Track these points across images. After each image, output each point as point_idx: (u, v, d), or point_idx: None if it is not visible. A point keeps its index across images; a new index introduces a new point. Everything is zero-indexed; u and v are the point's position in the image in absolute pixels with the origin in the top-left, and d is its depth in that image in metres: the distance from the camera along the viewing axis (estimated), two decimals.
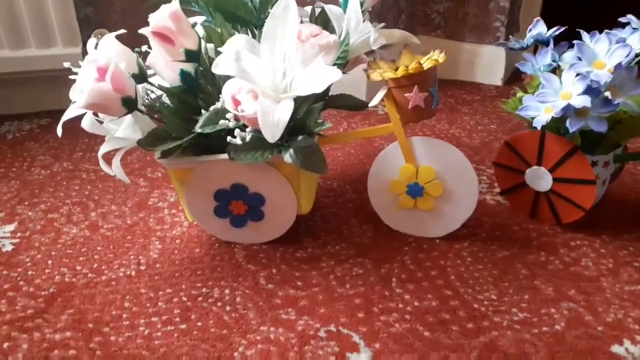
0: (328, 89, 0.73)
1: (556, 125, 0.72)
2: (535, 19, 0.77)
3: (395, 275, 0.69)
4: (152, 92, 0.67)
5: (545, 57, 0.73)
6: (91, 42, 0.66)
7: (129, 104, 0.58)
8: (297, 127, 0.64)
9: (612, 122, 0.69)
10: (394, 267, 0.70)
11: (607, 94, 0.62)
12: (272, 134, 0.52)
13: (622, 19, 0.71)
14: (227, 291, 0.65)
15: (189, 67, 0.64)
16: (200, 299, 0.64)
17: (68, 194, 0.87)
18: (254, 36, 0.71)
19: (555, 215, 0.77)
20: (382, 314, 0.62)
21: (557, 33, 0.76)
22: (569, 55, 0.73)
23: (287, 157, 0.61)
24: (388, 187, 0.74)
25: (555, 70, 0.73)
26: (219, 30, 0.65)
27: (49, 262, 0.71)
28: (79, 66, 0.61)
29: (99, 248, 0.74)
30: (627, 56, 0.62)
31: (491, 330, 0.59)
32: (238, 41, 0.56)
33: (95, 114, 0.63)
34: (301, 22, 0.77)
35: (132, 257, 0.72)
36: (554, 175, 0.74)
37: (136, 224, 0.79)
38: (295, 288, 0.66)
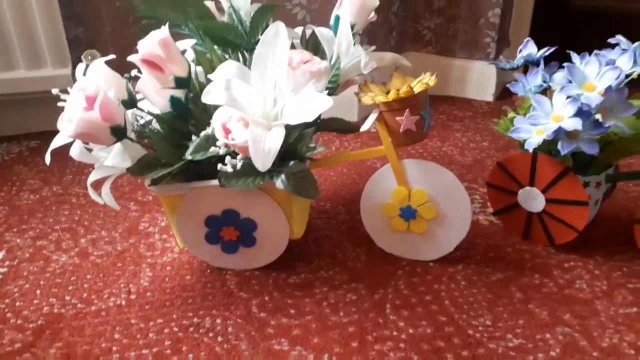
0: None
1: (548, 146, 0.71)
2: (526, 40, 0.77)
3: (390, 301, 0.68)
4: (142, 117, 0.66)
5: (536, 77, 0.74)
6: (80, 67, 0.66)
7: (118, 133, 0.57)
8: (288, 152, 0.63)
9: (602, 143, 0.69)
10: (388, 293, 0.69)
11: (598, 116, 0.62)
12: (263, 163, 0.51)
13: (611, 40, 0.71)
14: (218, 320, 0.64)
15: (179, 93, 0.63)
16: (191, 329, 0.63)
17: (57, 219, 0.86)
18: (244, 60, 0.71)
19: (549, 236, 0.77)
20: (376, 342, 0.61)
21: (547, 53, 0.76)
22: (560, 76, 0.73)
23: (279, 183, 0.61)
24: (381, 210, 0.74)
25: (546, 90, 0.73)
26: (209, 55, 0.64)
27: (38, 292, 0.70)
28: (69, 88, 0.60)
29: (88, 276, 0.72)
30: (617, 78, 0.62)
31: (486, 358, 0.59)
32: (228, 68, 0.56)
33: (85, 142, 0.62)
34: (292, 44, 0.77)
35: (122, 285, 0.71)
36: (546, 196, 0.74)
37: (126, 250, 0.78)
38: (288, 316, 0.65)
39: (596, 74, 0.63)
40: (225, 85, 0.50)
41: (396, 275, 0.73)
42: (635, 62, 0.68)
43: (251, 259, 0.72)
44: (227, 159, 0.57)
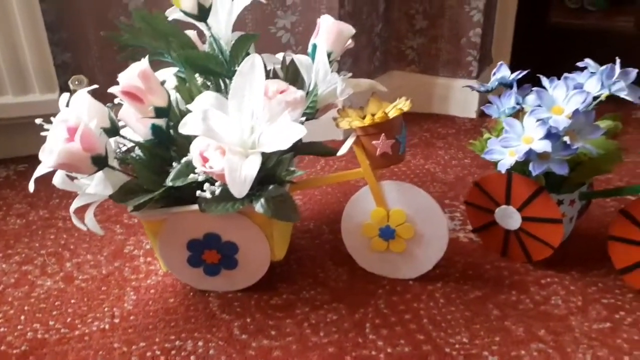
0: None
1: (522, 166, 0.74)
2: (499, 63, 0.80)
3: (369, 320, 0.69)
4: (124, 144, 0.68)
5: (509, 100, 0.76)
6: (63, 98, 0.67)
7: (99, 162, 0.58)
8: (268, 176, 0.65)
9: (573, 163, 0.71)
10: (368, 312, 0.71)
11: (566, 138, 0.64)
12: (239, 191, 0.53)
13: (580, 64, 0.74)
14: (200, 343, 0.65)
15: (160, 121, 0.65)
16: (173, 352, 0.64)
17: (43, 243, 0.87)
18: (225, 87, 0.73)
19: (526, 253, 0.79)
20: None
21: (520, 76, 0.78)
22: (532, 98, 0.76)
23: (258, 207, 0.62)
24: (361, 230, 0.76)
25: (519, 112, 0.76)
26: (189, 85, 0.66)
27: (22, 317, 0.71)
28: (52, 119, 0.62)
29: (73, 301, 0.73)
30: (583, 102, 0.65)
31: None
32: (206, 99, 0.58)
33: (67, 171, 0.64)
34: (274, 69, 0.79)
35: (106, 309, 0.72)
36: (522, 214, 0.76)
37: (111, 273, 0.79)
38: (269, 338, 0.66)
39: (564, 97, 0.66)
40: (202, 116, 0.52)
41: (377, 294, 0.74)
42: (602, 84, 0.70)
43: (233, 281, 0.73)
44: (206, 185, 0.59)
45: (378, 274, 0.78)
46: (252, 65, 0.57)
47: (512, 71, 0.76)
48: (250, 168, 0.53)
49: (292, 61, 0.75)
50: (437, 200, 1.00)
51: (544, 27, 1.60)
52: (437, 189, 1.05)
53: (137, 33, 0.72)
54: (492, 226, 0.81)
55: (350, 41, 0.75)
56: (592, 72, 0.72)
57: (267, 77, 0.76)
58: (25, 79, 1.08)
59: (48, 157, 0.54)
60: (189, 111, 0.57)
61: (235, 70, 0.63)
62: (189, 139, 0.65)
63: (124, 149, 0.68)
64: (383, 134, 0.68)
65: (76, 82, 0.95)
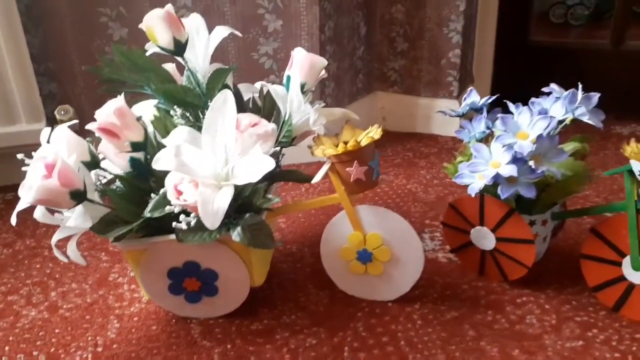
0: (276, 165, 0.77)
1: (493, 189, 0.76)
2: (469, 89, 0.82)
3: (348, 343, 0.71)
4: (104, 177, 0.69)
5: (480, 124, 0.78)
6: (44, 133, 0.69)
7: (78, 197, 0.60)
8: (244, 205, 0.67)
9: (542, 185, 0.74)
10: (347, 336, 0.72)
11: (531, 163, 0.66)
12: (212, 222, 0.54)
13: (545, 89, 0.76)
14: None
15: (139, 154, 0.67)
16: None
17: (29, 273, 0.88)
18: (203, 118, 0.75)
19: (502, 272, 0.81)
20: None
21: (489, 101, 0.81)
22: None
23: (235, 235, 0.64)
24: (339, 254, 0.77)
25: (490, 136, 0.78)
26: (163, 120, 0.68)
27: (6, 348, 0.72)
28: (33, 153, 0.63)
29: (57, 330, 0.75)
30: (547, 127, 0.67)
31: None
32: (180, 134, 0.60)
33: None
34: (253, 98, 0.82)
35: (89, 338, 0.73)
36: (496, 235, 0.78)
37: (96, 302, 0.80)
38: None
39: (528, 123, 0.68)
40: (174, 152, 0.54)
41: (356, 317, 0.76)
42: (566, 109, 0.73)
43: (214, 307, 0.74)
44: (182, 216, 0.60)
45: (358, 296, 0.80)
46: (224, 101, 0.59)
47: (493, 90, 0.79)
48: (222, 200, 0.55)
49: (269, 92, 0.77)
50: (418, 221, 1.03)
51: (524, 46, 1.64)
52: (418, 209, 1.07)
53: (117, 67, 0.75)
54: (469, 246, 0.83)
55: (323, 72, 0.77)
56: (557, 97, 0.74)
57: (247, 105, 0.79)
58: (12, 109, 1.10)
59: (27, 193, 0.56)
60: (164, 145, 0.59)
61: None
62: (167, 171, 0.68)
63: (104, 180, 0.70)
64: (356, 161, 0.70)
65: (62, 112, 0.98)
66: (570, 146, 0.77)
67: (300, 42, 1.22)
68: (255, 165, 0.56)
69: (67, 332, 0.74)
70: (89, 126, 0.60)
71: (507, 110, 0.75)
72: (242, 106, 0.77)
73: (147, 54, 0.76)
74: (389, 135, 1.53)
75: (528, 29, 1.64)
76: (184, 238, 0.64)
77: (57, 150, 0.59)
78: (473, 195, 0.71)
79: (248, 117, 0.60)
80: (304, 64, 0.74)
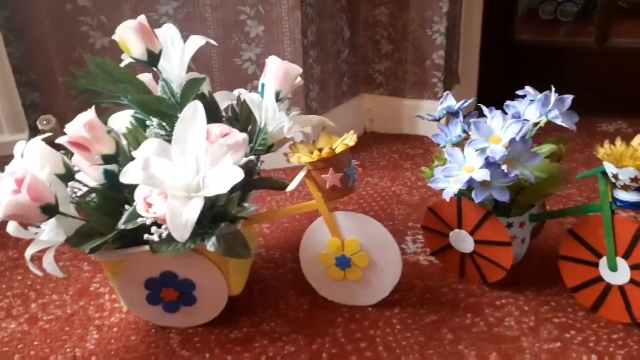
0: (252, 171, 0.77)
1: (469, 192, 0.76)
2: (445, 93, 0.83)
3: (326, 350, 0.71)
4: (79, 189, 0.69)
5: (456, 128, 0.79)
6: (18, 146, 0.69)
7: (49, 211, 0.60)
8: (219, 214, 0.67)
9: (517, 188, 0.74)
10: (326, 342, 0.72)
11: (504, 167, 0.66)
12: (181, 235, 0.55)
13: (519, 92, 0.77)
14: None
15: (113, 165, 0.67)
16: None
17: (10, 285, 0.88)
18: None
19: (481, 275, 0.81)
20: None
21: (465, 104, 0.81)
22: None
23: (210, 245, 0.64)
24: (318, 260, 0.78)
25: (467, 139, 0.78)
26: (134, 132, 0.68)
27: None
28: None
29: (35, 343, 0.75)
30: (520, 130, 0.67)
31: None
32: (150, 146, 0.60)
33: None
34: (232, 106, 0.82)
35: (68, 350, 0.73)
36: (474, 237, 0.78)
37: (76, 312, 0.80)
38: None
39: (501, 127, 0.68)
40: (142, 165, 0.54)
41: (335, 322, 0.76)
42: (540, 112, 0.73)
43: (193, 317, 0.74)
44: (153, 228, 0.61)
45: (338, 302, 0.80)
46: (194, 111, 0.59)
47: (480, 90, 0.78)
48: (191, 212, 0.55)
49: (245, 100, 0.77)
50: (401, 223, 1.03)
51: (510, 45, 1.64)
52: (402, 212, 1.07)
53: (93, 78, 0.75)
54: (448, 249, 0.83)
55: (299, 79, 0.77)
56: (531, 100, 0.75)
57: (222, 114, 0.79)
58: None
59: None
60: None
61: None
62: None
63: (80, 193, 0.70)
64: (331, 168, 0.70)
65: (44, 122, 0.97)
66: (545, 148, 0.77)
67: (282, 47, 1.22)
68: (225, 176, 0.56)
69: (46, 344, 0.74)
70: (60, 140, 0.60)
71: (482, 115, 0.75)
72: (217, 115, 0.77)
73: (122, 64, 0.76)
74: (376, 137, 1.53)
75: (513, 28, 1.64)
76: (158, 249, 0.64)
77: (26, 164, 0.59)
78: (448, 199, 0.71)
79: (219, 128, 0.60)
80: (278, 71, 0.74)
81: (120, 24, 0.68)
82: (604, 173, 0.69)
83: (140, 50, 0.70)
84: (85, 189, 0.70)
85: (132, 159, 0.66)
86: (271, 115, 0.72)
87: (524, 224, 0.79)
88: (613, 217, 0.70)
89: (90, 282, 0.88)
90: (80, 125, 0.59)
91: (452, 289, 0.82)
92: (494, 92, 0.75)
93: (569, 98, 0.73)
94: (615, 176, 0.66)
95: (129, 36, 0.69)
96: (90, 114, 0.60)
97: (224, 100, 0.84)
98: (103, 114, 0.78)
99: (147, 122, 0.74)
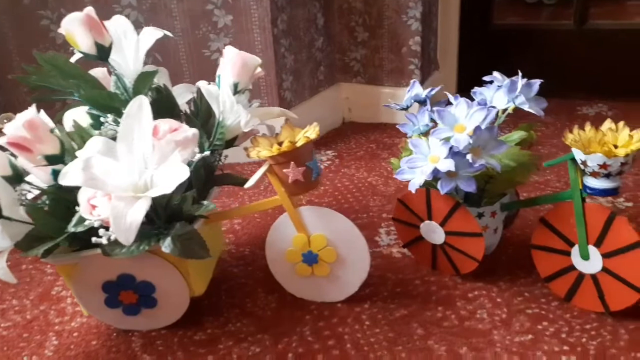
0: (212, 169, 0.74)
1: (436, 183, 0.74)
2: (412, 81, 0.80)
3: (293, 349, 0.69)
4: (30, 191, 0.66)
5: (424, 116, 0.76)
6: None
7: None
8: (174, 214, 0.64)
9: (486, 177, 0.72)
10: (292, 341, 0.70)
11: (469, 156, 0.64)
12: (125, 238, 0.52)
13: (486, 78, 0.74)
14: None
15: (61, 166, 0.64)
16: None
17: None
18: None
19: (454, 266, 0.79)
20: None
21: (433, 92, 0.79)
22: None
23: (165, 246, 0.62)
24: (285, 257, 0.75)
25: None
26: (79, 131, 0.65)
27: None
28: None
29: None
30: (485, 118, 0.65)
31: None
32: (94, 144, 0.57)
33: None
34: (193, 99, 0.79)
35: (25, 357, 0.70)
36: (444, 229, 0.76)
37: (36, 318, 0.78)
38: None
39: (465, 115, 0.66)
40: (82, 165, 0.52)
41: (303, 320, 0.74)
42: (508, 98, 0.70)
43: (155, 319, 0.72)
44: (102, 231, 0.58)
45: (307, 299, 0.78)
46: (140, 107, 0.56)
47: (459, 77, 0.75)
48: (136, 214, 0.52)
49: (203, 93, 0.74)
50: (376, 215, 1.01)
51: (489, 30, 1.62)
52: (377, 203, 1.05)
53: (45, 74, 0.72)
54: (420, 241, 0.81)
55: (259, 69, 0.74)
56: (499, 86, 0.72)
57: (179, 108, 0.76)
58: None
59: None
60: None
61: None
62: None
63: (30, 195, 0.67)
64: (292, 162, 0.68)
65: (5, 120, 0.94)
66: (516, 135, 0.75)
67: (252, 36, 1.19)
68: (171, 175, 0.53)
69: (2, 352, 0.72)
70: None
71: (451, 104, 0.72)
72: (174, 110, 0.74)
73: (72, 59, 0.72)
74: (354, 126, 1.51)
75: (492, 12, 1.62)
76: (110, 252, 0.61)
77: None
78: (414, 191, 0.68)
79: (167, 123, 0.57)
80: (235, 62, 0.71)
81: None
82: (574, 160, 0.67)
83: (89, 44, 0.66)
84: (37, 191, 0.67)
85: None
86: (229, 108, 0.69)
87: (496, 214, 0.77)
88: (584, 205, 0.68)
89: (52, 286, 0.85)
90: (19, 125, 0.56)
91: (424, 282, 0.80)
92: (475, 79, 0.73)
93: (536, 83, 0.70)
94: (584, 163, 0.64)
95: (75, 29, 0.66)
96: (30, 112, 0.57)
97: (184, 94, 0.81)
98: (64, 110, 0.75)
99: (102, 119, 0.71)
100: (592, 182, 0.65)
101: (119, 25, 0.72)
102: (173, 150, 0.55)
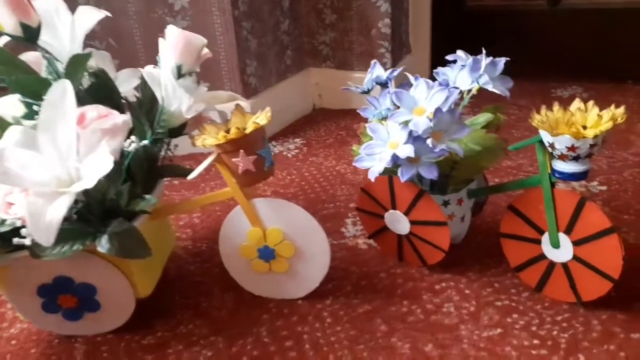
0: (156, 158, 0.69)
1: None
2: (373, 62, 0.75)
3: (247, 352, 0.64)
4: None
5: (385, 100, 0.71)
6: None
7: None
8: (112, 210, 0.59)
9: (451, 163, 0.68)
10: (247, 343, 0.65)
11: (429, 141, 0.59)
12: (45, 238, 0.46)
13: (449, 57, 0.69)
14: None
15: None
16: None
17: None
18: None
19: (420, 257, 0.75)
20: None
21: (395, 74, 0.74)
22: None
23: (100, 246, 0.56)
24: (239, 252, 0.70)
25: None
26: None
27: None
28: None
29: None
30: (447, 99, 0.60)
31: None
32: (11, 135, 0.51)
33: None
34: (140, 85, 0.73)
35: None
36: (409, 218, 0.72)
37: None
38: None
39: (425, 96, 0.61)
40: None
41: (261, 320, 0.69)
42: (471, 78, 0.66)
43: (99, 323, 0.67)
44: (24, 230, 0.52)
45: (266, 296, 0.73)
46: (63, 92, 0.50)
47: (433, 61, 0.70)
48: (57, 211, 0.46)
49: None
50: (343, 205, 0.96)
51: (462, 11, 1.57)
52: (345, 192, 1.01)
53: None
54: (385, 231, 0.77)
55: (206, 50, 0.69)
56: (462, 65, 0.68)
57: (119, 95, 0.70)
58: None
59: None
60: None
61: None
62: None
63: None
64: (241, 150, 0.63)
65: None
66: (482, 118, 0.70)
67: (211, 18, 1.12)
68: (94, 167, 0.48)
69: None
70: None
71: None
72: (114, 96, 0.69)
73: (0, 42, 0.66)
74: (325, 113, 1.46)
75: None
76: (40, 252, 0.56)
77: None
78: (373, 179, 0.64)
79: (95, 110, 0.52)
80: (177, 43, 0.65)
81: None
82: (542, 142, 0.63)
83: (13, 24, 0.60)
84: None
85: None
86: (171, 92, 0.64)
87: (462, 201, 0.73)
88: (553, 190, 0.64)
89: None
90: None
91: (390, 274, 0.76)
92: (449, 62, 0.69)
93: (501, 61, 0.66)
94: (552, 145, 0.60)
95: None
96: None
97: (129, 79, 0.75)
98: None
99: (34, 107, 0.65)
100: (561, 166, 0.61)
101: (49, 4, 0.65)
102: (100, 139, 0.50)
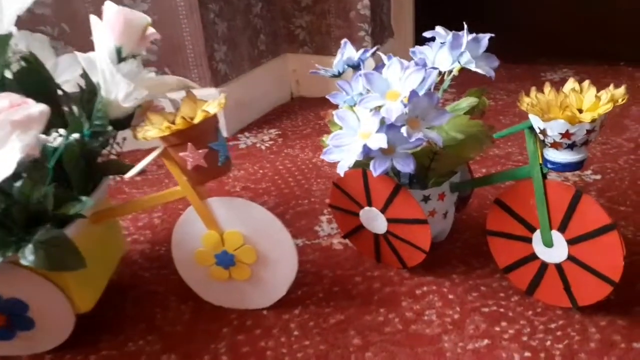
0: (94, 154, 0.61)
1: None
2: (343, 41, 0.67)
3: None
4: None
5: (357, 83, 0.63)
6: None
7: None
8: (37, 215, 0.51)
9: (431, 154, 0.60)
10: None
11: (404, 129, 0.52)
12: None
13: (427, 34, 0.62)
14: None
15: None
16: None
17: None
18: None
19: (399, 258, 0.68)
20: None
21: (368, 55, 0.66)
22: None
23: (24, 258, 0.48)
24: (194, 259, 0.62)
25: None
26: None
27: None
28: None
29: None
30: (423, 81, 0.53)
31: None
32: None
33: None
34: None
35: None
36: (386, 215, 0.65)
37: None
38: None
39: (399, 78, 0.53)
40: None
41: (220, 334, 0.61)
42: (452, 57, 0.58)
43: (35, 342, 0.59)
44: None
45: (227, 306, 0.65)
46: None
47: (417, 44, 0.62)
48: None
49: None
50: (318, 200, 0.89)
51: None
52: (320, 186, 0.93)
53: None
54: (361, 230, 0.70)
55: (152, 30, 0.60)
56: (442, 43, 0.60)
57: (55, 82, 0.62)
58: None
59: None
60: None
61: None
62: None
63: None
64: (190, 143, 0.55)
65: None
66: (464, 102, 0.63)
67: (174, 1, 1.03)
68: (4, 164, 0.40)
69: None
70: None
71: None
72: (49, 85, 0.60)
73: None
74: (302, 102, 1.37)
75: None
76: None
77: None
78: (342, 174, 0.56)
79: (7, 98, 0.43)
80: (115, 22, 0.56)
81: None
82: (532, 129, 0.56)
83: None
84: None
85: None
86: (109, 79, 0.55)
87: (444, 196, 0.66)
88: (545, 182, 0.57)
89: None
90: None
91: (366, 278, 0.68)
92: (428, 40, 0.61)
93: (484, 38, 0.58)
94: (543, 132, 0.52)
95: None
96: None
97: (71, 66, 0.67)
98: None
99: None
100: (554, 155, 0.53)
101: None
102: (10, 132, 0.42)
